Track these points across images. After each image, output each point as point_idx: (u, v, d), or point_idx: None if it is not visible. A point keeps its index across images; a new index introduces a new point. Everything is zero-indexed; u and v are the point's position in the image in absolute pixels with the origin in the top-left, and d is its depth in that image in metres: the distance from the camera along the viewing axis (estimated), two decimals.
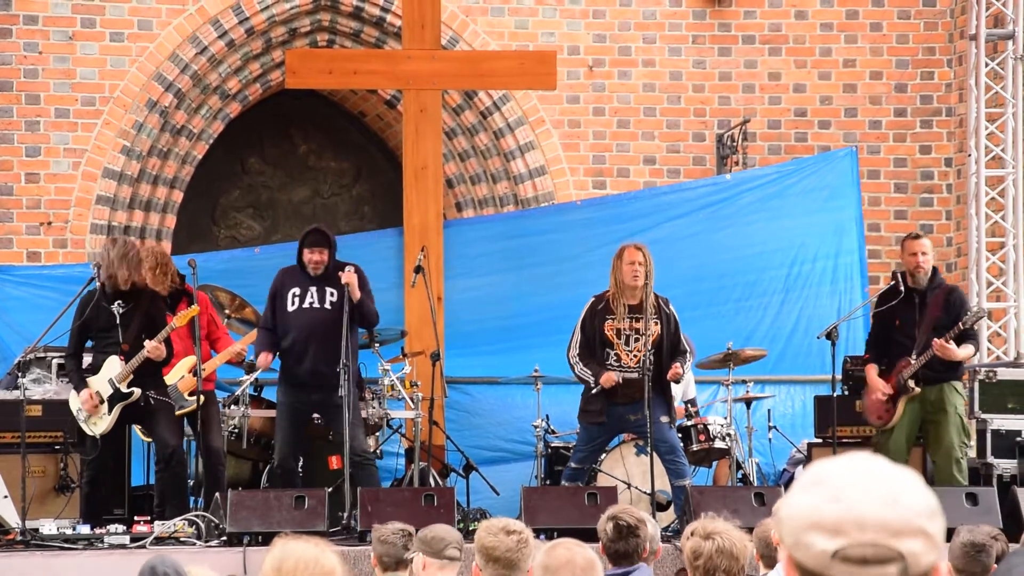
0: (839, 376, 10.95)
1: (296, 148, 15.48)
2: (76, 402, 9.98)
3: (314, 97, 14.96)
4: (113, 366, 9.87)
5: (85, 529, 9.49)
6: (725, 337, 11.67)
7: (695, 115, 14.59)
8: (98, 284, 9.96)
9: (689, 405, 11.57)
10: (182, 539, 9.38)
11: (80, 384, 9.92)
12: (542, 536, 8.41)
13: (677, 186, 13.80)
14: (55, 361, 10.95)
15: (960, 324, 10.27)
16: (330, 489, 9.77)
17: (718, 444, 10.99)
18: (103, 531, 9.39)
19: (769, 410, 11.87)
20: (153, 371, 9.94)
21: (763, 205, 13.09)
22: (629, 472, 10.63)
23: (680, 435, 10.60)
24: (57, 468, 10.60)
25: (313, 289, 10.22)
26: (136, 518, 9.60)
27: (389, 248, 12.12)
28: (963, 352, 10.35)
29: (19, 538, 9.45)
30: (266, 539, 8.88)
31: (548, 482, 10.93)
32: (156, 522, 9.47)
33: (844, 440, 10.96)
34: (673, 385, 10.49)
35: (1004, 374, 11.45)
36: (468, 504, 10.86)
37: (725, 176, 13.72)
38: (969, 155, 14.20)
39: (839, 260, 13.00)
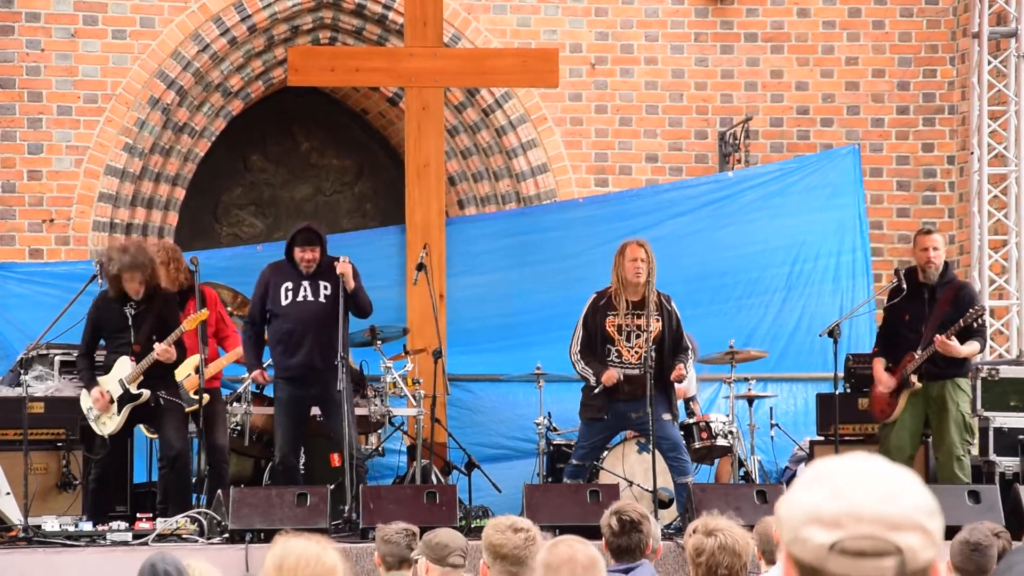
0: (841, 374, 10.95)
1: (298, 146, 15.48)
2: (87, 401, 9.98)
3: (316, 95, 14.96)
4: (124, 367, 9.88)
5: (87, 526, 9.49)
6: (727, 335, 11.67)
7: (697, 113, 14.58)
8: (99, 284, 9.96)
9: (690, 403, 11.57)
10: (184, 536, 9.38)
11: (91, 383, 9.93)
12: (544, 534, 8.42)
13: (679, 184, 13.79)
14: (57, 358, 10.95)
15: (961, 321, 10.25)
16: (332, 486, 9.76)
17: (720, 442, 10.99)
18: (105, 528, 9.39)
19: (771, 408, 11.87)
20: (164, 372, 9.94)
21: (765, 203, 13.09)
22: (631, 470, 10.63)
23: (682, 432, 10.60)
24: (59, 465, 10.61)
25: (306, 283, 10.21)
26: (138, 515, 9.60)
27: (391, 246, 12.12)
28: (967, 349, 10.33)
29: (21, 535, 9.45)
30: (268, 536, 8.87)
31: (550, 479, 10.93)
32: (158, 519, 9.47)
33: (846, 438, 10.97)
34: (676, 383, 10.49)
35: (1006, 372, 11.45)
36: (470, 501, 10.86)
37: (727, 174, 13.72)
38: (971, 153, 14.19)
39: (841, 258, 12.99)
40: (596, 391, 10.19)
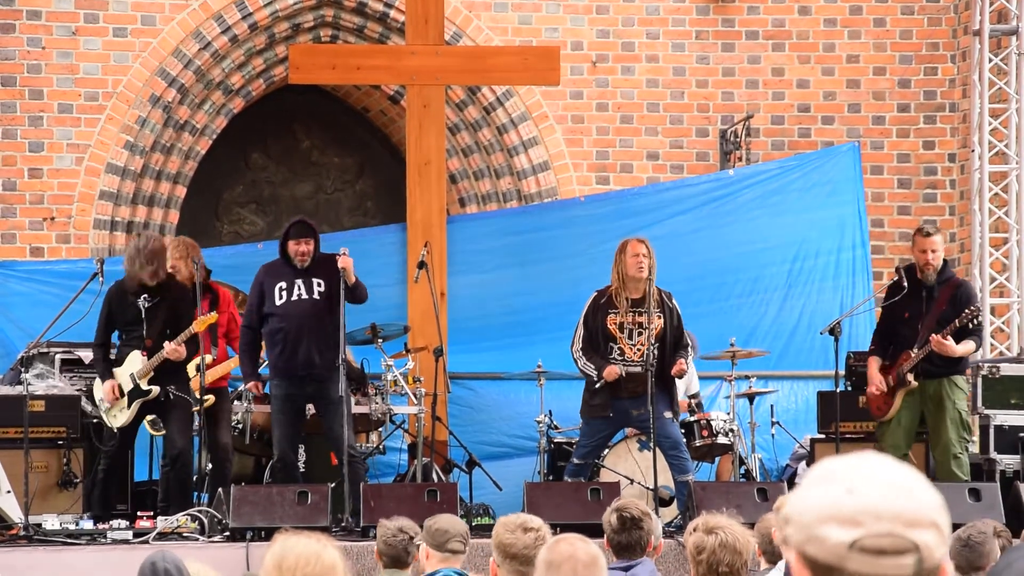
0: (842, 372, 10.94)
1: (299, 144, 15.48)
2: (100, 392, 10.02)
3: (317, 93, 14.96)
4: (135, 361, 9.91)
5: (88, 525, 9.49)
6: (728, 333, 11.66)
7: (698, 111, 14.58)
8: (99, 282, 9.97)
9: (692, 399, 11.57)
10: (185, 534, 9.38)
11: (105, 374, 9.96)
12: None
13: (680, 182, 13.78)
14: (58, 356, 10.95)
15: (957, 321, 10.27)
16: (332, 484, 9.76)
17: (721, 440, 10.99)
18: (106, 526, 9.39)
19: (772, 406, 11.87)
20: (175, 368, 9.95)
21: (766, 201, 13.09)
22: (632, 468, 10.62)
23: (683, 430, 10.60)
24: (60, 463, 10.61)
25: (299, 281, 10.20)
26: (139, 514, 9.60)
27: (392, 244, 12.12)
28: (962, 348, 10.33)
29: (22, 533, 9.45)
30: (269, 534, 8.85)
31: (551, 478, 10.93)
32: (159, 518, 9.47)
33: (847, 436, 10.97)
34: (677, 379, 10.49)
35: (1007, 370, 11.45)
36: (471, 500, 10.86)
37: (728, 172, 13.71)
38: (972, 151, 14.19)
39: (841, 255, 12.99)
40: (598, 386, 10.18)
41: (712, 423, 11.03)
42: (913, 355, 10.31)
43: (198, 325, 9.87)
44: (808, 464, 11.51)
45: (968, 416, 10.57)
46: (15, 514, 9.92)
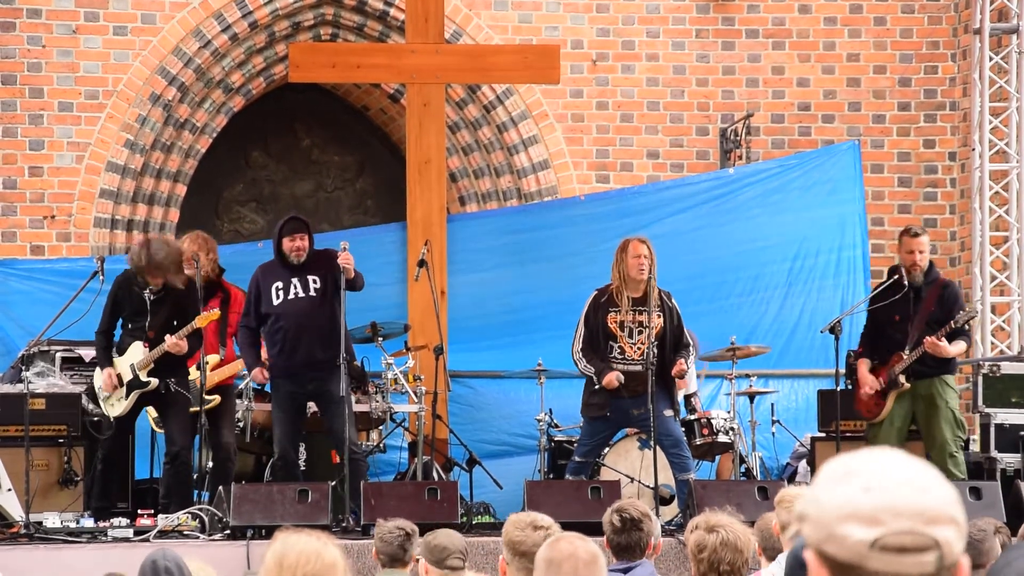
0: (842, 370, 10.94)
1: (299, 142, 15.48)
2: (100, 380, 10.01)
3: (317, 91, 14.95)
4: (136, 352, 9.90)
5: (89, 523, 9.49)
6: (728, 331, 11.67)
7: (698, 109, 14.58)
8: (100, 280, 9.98)
9: (692, 399, 11.57)
10: (186, 533, 9.38)
11: (105, 362, 9.96)
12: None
13: (680, 181, 13.78)
14: (59, 354, 10.96)
15: (952, 323, 10.29)
16: (333, 483, 9.76)
17: (721, 438, 10.99)
18: (107, 524, 9.39)
19: (772, 404, 11.87)
20: (175, 361, 9.94)
21: (766, 199, 13.09)
22: (632, 466, 10.63)
23: (683, 429, 10.60)
24: (61, 461, 10.61)
25: (295, 280, 10.22)
26: (140, 512, 9.60)
27: (392, 243, 12.12)
28: (954, 349, 10.37)
29: (23, 531, 9.45)
30: (269, 533, 8.88)
31: (551, 476, 10.93)
32: (160, 516, 9.47)
33: (847, 434, 10.96)
34: (677, 379, 10.49)
35: (1007, 368, 11.45)
36: (471, 498, 10.86)
37: (728, 170, 13.71)
38: (973, 149, 14.19)
39: (842, 254, 12.99)
40: (597, 388, 10.19)
41: (713, 421, 11.03)
42: (905, 357, 10.32)
43: (200, 320, 9.87)
44: (808, 463, 11.52)
45: (961, 415, 10.58)
46: (16, 512, 9.93)
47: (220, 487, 9.73)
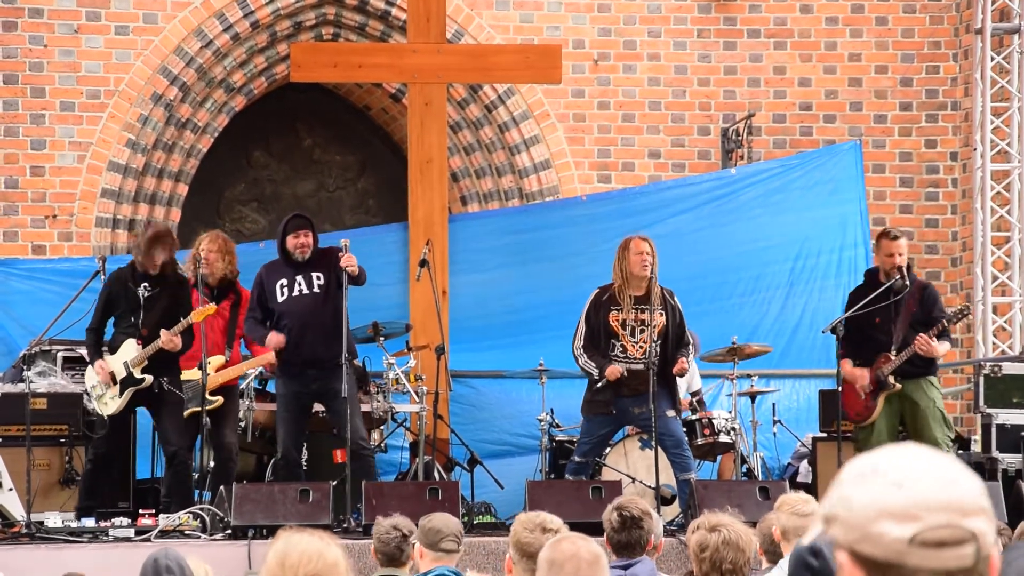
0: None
1: (301, 142, 15.48)
2: (92, 378, 9.98)
3: (319, 91, 14.96)
4: (129, 349, 9.89)
5: (90, 522, 9.49)
6: (730, 331, 11.66)
7: (700, 109, 14.57)
8: (102, 272, 9.99)
9: (694, 398, 11.57)
10: (187, 532, 9.38)
11: (96, 356, 9.94)
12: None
13: (682, 181, 13.78)
14: (60, 354, 10.95)
15: (945, 321, 10.33)
16: (334, 482, 9.76)
17: (723, 438, 10.98)
18: (108, 524, 9.38)
19: (774, 404, 11.87)
20: (168, 360, 9.94)
21: (767, 199, 13.09)
22: (633, 466, 10.62)
23: (685, 429, 10.60)
24: (62, 461, 10.61)
25: (299, 277, 10.24)
26: (141, 511, 9.60)
27: (394, 242, 12.12)
28: (943, 348, 10.42)
29: (24, 531, 9.45)
30: (271, 532, 8.88)
31: (552, 476, 10.93)
32: (161, 515, 9.47)
33: (848, 435, 10.95)
34: (678, 378, 10.49)
35: (1009, 368, 11.45)
36: (472, 498, 10.86)
37: (730, 170, 13.71)
38: (975, 149, 14.18)
39: (843, 254, 12.99)
40: (599, 385, 10.18)
41: (714, 421, 11.03)
42: (894, 358, 10.32)
43: (196, 315, 9.87)
44: (810, 463, 11.52)
45: (947, 414, 10.62)
46: (17, 512, 9.93)
47: (221, 487, 9.72)
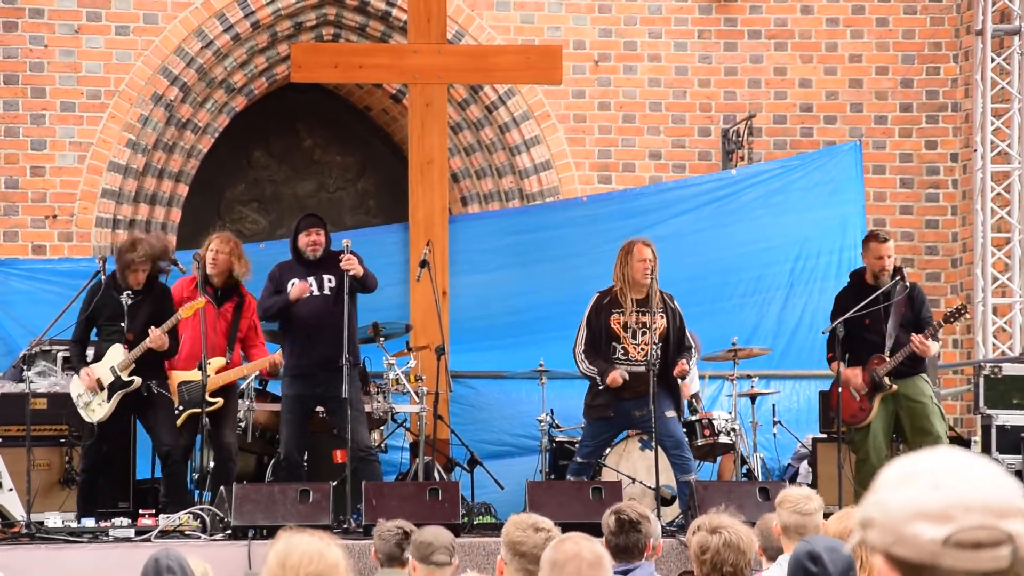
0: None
1: (301, 142, 15.48)
2: (77, 387, 9.97)
3: (319, 91, 14.96)
4: (116, 354, 9.88)
5: (90, 522, 9.48)
6: (730, 332, 11.66)
7: (701, 110, 14.58)
8: (104, 276, 9.98)
9: (694, 400, 11.57)
10: (187, 533, 9.37)
11: (81, 365, 9.94)
12: None
13: (682, 181, 13.78)
14: (60, 354, 10.94)
15: (942, 320, 10.37)
16: (335, 483, 9.76)
17: (723, 439, 10.99)
18: (108, 524, 9.38)
19: (774, 405, 11.87)
20: (155, 363, 9.94)
21: (768, 200, 13.09)
22: (633, 467, 10.63)
23: (685, 430, 10.60)
24: (62, 461, 10.61)
25: (311, 278, 10.25)
26: (141, 511, 9.59)
27: (394, 243, 12.12)
28: (935, 349, 10.47)
29: (24, 531, 9.45)
30: (271, 533, 8.88)
31: (552, 476, 10.93)
32: (161, 516, 9.47)
33: (847, 435, 10.94)
34: (680, 380, 10.49)
35: (1009, 369, 11.45)
36: (472, 498, 10.86)
37: (730, 171, 13.71)
38: (975, 150, 14.19)
39: (843, 255, 12.98)
40: (601, 388, 10.18)
41: (714, 422, 11.03)
42: (889, 360, 10.32)
43: (185, 311, 9.88)
44: (810, 464, 11.52)
45: (943, 411, 10.66)
46: (17, 512, 9.92)
47: (222, 487, 9.72)
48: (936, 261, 14.60)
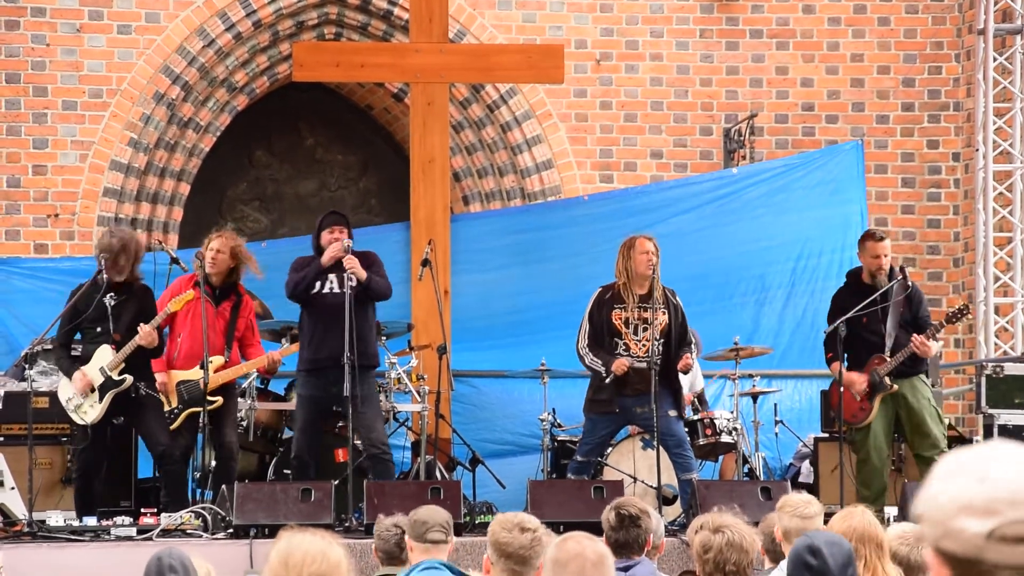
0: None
1: (303, 141, 15.48)
2: (66, 391, 9.96)
3: (321, 90, 14.96)
4: (104, 355, 9.88)
5: (92, 521, 9.49)
6: (731, 331, 11.66)
7: (702, 109, 14.57)
8: (96, 276, 9.98)
9: (697, 398, 11.57)
10: (189, 531, 9.37)
11: (70, 370, 9.94)
12: (547, 531, 8.41)
13: (684, 180, 13.78)
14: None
15: (944, 320, 10.37)
16: (336, 482, 9.76)
17: (725, 438, 10.99)
18: (110, 523, 9.38)
19: (776, 404, 11.87)
20: (143, 365, 9.94)
21: (769, 199, 13.09)
22: (635, 466, 10.62)
23: (687, 429, 10.60)
24: (64, 460, 10.61)
25: (331, 275, 10.19)
26: (143, 510, 9.60)
27: (396, 242, 12.11)
28: (935, 349, 10.47)
29: (26, 530, 9.45)
30: (272, 532, 8.88)
31: (554, 475, 10.93)
32: (163, 514, 9.47)
33: (847, 435, 10.94)
34: (681, 377, 10.49)
35: (1011, 369, 11.45)
36: (474, 497, 10.86)
37: (732, 170, 13.71)
38: (977, 150, 14.18)
39: (845, 254, 12.97)
40: (607, 381, 10.15)
41: (716, 421, 11.03)
42: (889, 360, 10.32)
43: (175, 304, 9.88)
44: (811, 463, 11.52)
45: (941, 412, 10.64)
46: (19, 510, 9.92)
47: (223, 486, 9.72)
48: (938, 261, 14.60)
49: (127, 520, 9.40)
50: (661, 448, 10.14)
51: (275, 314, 11.35)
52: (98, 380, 9.85)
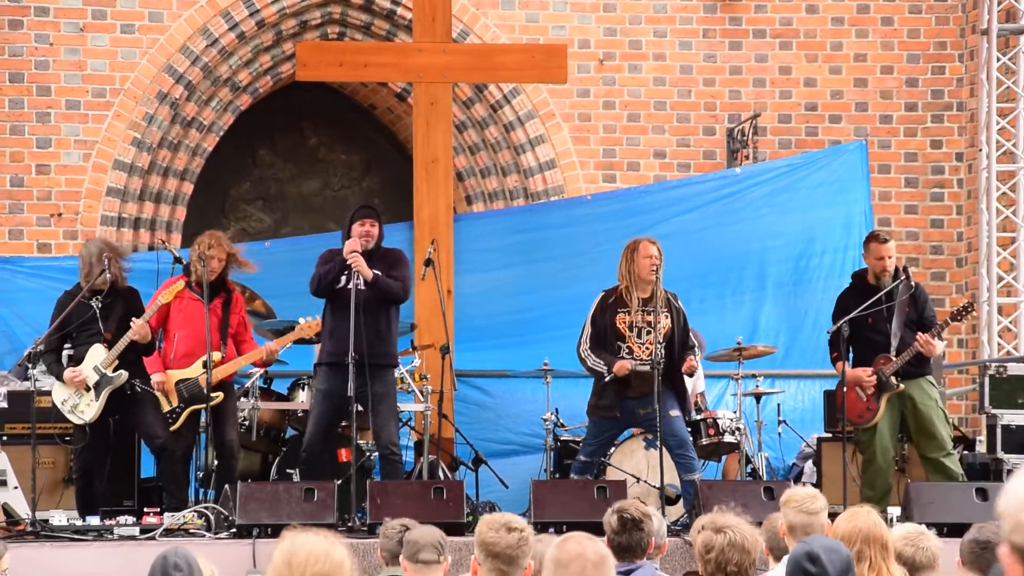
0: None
1: (306, 140, 15.48)
2: (60, 393, 9.99)
3: (324, 90, 14.96)
4: (98, 353, 9.92)
5: (95, 520, 9.49)
6: (734, 331, 11.66)
7: (705, 109, 14.57)
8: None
9: (699, 398, 11.57)
10: (192, 531, 9.38)
11: (61, 371, 9.98)
12: (551, 529, 8.41)
13: (687, 180, 13.79)
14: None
15: (948, 319, 10.38)
16: (339, 481, 9.75)
17: (727, 438, 10.98)
18: (113, 522, 9.39)
19: (779, 404, 11.87)
20: (136, 362, 9.98)
21: (772, 199, 13.09)
22: (638, 466, 10.63)
23: (689, 429, 10.59)
24: (67, 459, 10.62)
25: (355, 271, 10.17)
26: (145, 510, 9.60)
27: (399, 242, 12.07)
28: (940, 348, 10.47)
29: (29, 529, 9.46)
30: (275, 531, 8.88)
31: (557, 475, 10.93)
32: (165, 514, 9.48)
33: (853, 435, 10.94)
34: (686, 378, 10.49)
35: (1014, 369, 11.45)
36: (477, 497, 10.86)
37: (735, 170, 13.71)
38: (980, 150, 14.18)
39: (848, 253, 12.98)
40: (607, 380, 10.15)
41: (719, 421, 11.03)
42: (895, 360, 10.31)
43: (165, 296, 9.92)
44: (815, 463, 11.52)
45: (947, 412, 10.65)
46: (22, 510, 9.93)
47: (226, 486, 9.72)
48: (941, 260, 14.60)
49: (130, 520, 9.41)
50: (664, 448, 10.14)
51: (278, 314, 11.35)
52: (93, 378, 9.89)
